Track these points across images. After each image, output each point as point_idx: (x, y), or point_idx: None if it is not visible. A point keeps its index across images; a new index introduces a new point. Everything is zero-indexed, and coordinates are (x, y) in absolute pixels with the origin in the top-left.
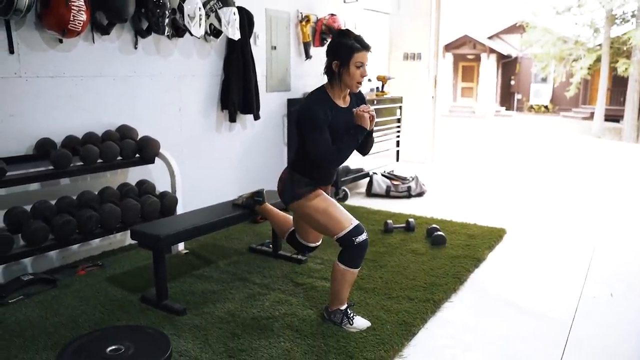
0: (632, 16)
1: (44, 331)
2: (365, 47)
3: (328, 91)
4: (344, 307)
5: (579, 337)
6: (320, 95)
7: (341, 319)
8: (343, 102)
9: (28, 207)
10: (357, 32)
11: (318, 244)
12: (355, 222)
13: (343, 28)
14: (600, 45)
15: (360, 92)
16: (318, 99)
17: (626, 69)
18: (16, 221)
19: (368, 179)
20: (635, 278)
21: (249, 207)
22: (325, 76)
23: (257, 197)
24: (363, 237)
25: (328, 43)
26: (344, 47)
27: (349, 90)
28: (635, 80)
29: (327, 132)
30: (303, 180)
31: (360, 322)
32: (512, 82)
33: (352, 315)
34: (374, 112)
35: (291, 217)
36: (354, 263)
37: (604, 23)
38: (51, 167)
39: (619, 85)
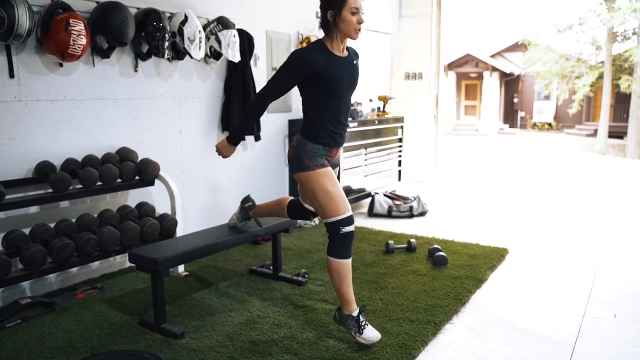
0: (633, 33)
1: (40, 356)
2: None
3: (326, 43)
4: (355, 313)
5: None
6: (319, 45)
7: (353, 326)
8: (342, 54)
9: (27, 230)
10: (357, 50)
11: None
12: (350, 212)
13: None
14: (602, 62)
15: (353, 49)
16: (317, 47)
17: (629, 85)
18: (14, 244)
19: (370, 199)
20: (639, 298)
21: (245, 219)
22: (322, 30)
23: (246, 204)
24: (349, 228)
25: None
26: None
27: (347, 40)
28: (638, 97)
29: (295, 80)
30: (314, 149)
31: (371, 334)
32: (515, 100)
33: (364, 323)
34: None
35: (280, 198)
36: (341, 253)
37: (605, 40)
38: (50, 190)
39: (621, 101)
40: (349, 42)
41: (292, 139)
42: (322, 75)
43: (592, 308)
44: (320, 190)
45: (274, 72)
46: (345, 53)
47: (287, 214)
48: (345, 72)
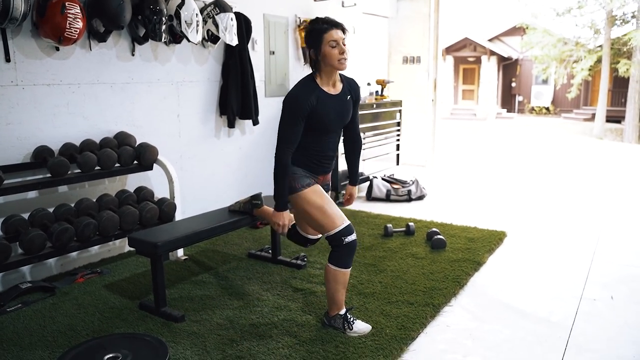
0: (633, 17)
1: (41, 339)
2: (334, 25)
3: (316, 79)
4: (343, 311)
5: (578, 341)
6: (308, 82)
7: (342, 324)
8: (333, 88)
9: (26, 215)
10: (349, 29)
11: (319, 236)
12: (347, 222)
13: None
14: (600, 46)
15: (353, 81)
16: (305, 87)
17: (627, 69)
18: (14, 229)
19: (368, 182)
20: (636, 281)
21: (247, 211)
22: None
23: (255, 201)
24: (352, 237)
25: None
26: (313, 33)
27: (336, 73)
28: (636, 81)
29: (300, 125)
30: (300, 172)
31: (361, 327)
32: (513, 84)
33: (351, 319)
34: (282, 227)
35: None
36: (343, 263)
37: (604, 24)
38: (49, 175)
39: (620, 86)
40: (350, 73)
41: None
42: (311, 114)
43: (589, 290)
44: (313, 208)
45: (279, 127)
46: (339, 87)
47: (286, 234)
48: (334, 110)
